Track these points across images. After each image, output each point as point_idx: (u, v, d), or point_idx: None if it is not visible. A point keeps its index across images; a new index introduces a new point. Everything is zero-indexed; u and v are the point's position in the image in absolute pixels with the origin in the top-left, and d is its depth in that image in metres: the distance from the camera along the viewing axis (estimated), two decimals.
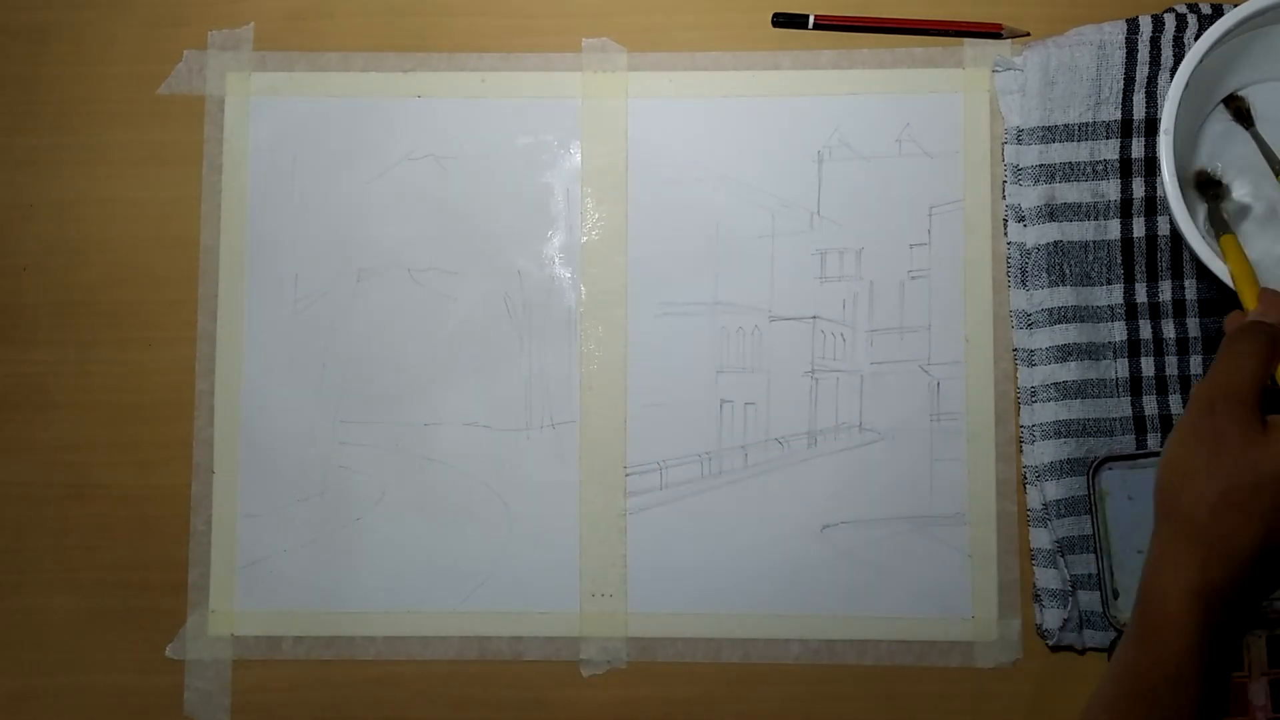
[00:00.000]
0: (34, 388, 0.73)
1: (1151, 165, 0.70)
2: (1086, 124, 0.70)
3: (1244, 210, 0.69)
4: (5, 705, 0.71)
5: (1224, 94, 0.71)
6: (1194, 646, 0.52)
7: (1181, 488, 0.54)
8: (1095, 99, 0.70)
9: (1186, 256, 0.70)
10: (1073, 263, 0.70)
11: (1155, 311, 0.70)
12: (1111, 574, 0.69)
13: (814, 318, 0.72)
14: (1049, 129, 0.70)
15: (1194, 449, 0.54)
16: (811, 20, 0.73)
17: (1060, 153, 0.70)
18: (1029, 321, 0.70)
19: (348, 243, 0.73)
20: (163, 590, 0.71)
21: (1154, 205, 0.70)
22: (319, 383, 0.72)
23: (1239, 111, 0.71)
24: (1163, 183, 0.64)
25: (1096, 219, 0.70)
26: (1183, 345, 0.70)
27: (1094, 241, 0.70)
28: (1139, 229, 0.70)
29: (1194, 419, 0.55)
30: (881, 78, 0.73)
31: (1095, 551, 0.69)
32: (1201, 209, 0.69)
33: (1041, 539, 0.69)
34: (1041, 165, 0.70)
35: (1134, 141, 0.70)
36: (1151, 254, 0.70)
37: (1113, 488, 0.69)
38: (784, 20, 0.73)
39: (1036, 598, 0.69)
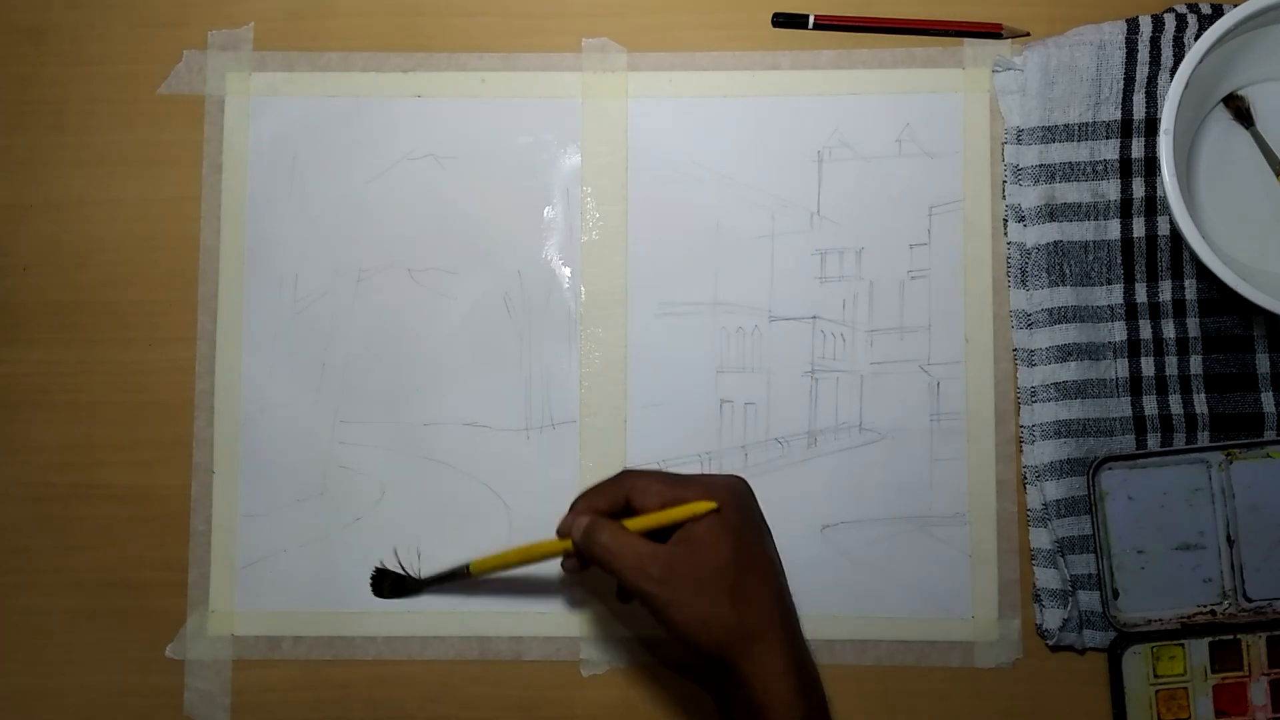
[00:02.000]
0: (34, 388, 0.73)
1: (1151, 165, 0.70)
2: (1086, 124, 0.70)
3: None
4: (5, 705, 0.71)
5: (1224, 94, 0.71)
6: (806, 712, 0.59)
7: (712, 629, 0.59)
8: (1095, 99, 0.70)
9: (1186, 256, 0.70)
10: (1073, 263, 0.70)
11: (1155, 311, 0.70)
12: (1111, 574, 0.69)
13: (814, 318, 0.72)
14: (1049, 129, 0.70)
15: (685, 607, 0.59)
16: (811, 20, 0.73)
17: (1060, 153, 0.70)
18: (1029, 321, 0.70)
19: (348, 243, 0.73)
20: (163, 590, 0.71)
21: (1154, 205, 0.70)
22: (319, 383, 0.72)
23: (1239, 111, 0.71)
24: (1163, 183, 0.64)
25: (1096, 219, 0.70)
26: (1183, 345, 0.70)
27: (1094, 241, 0.70)
28: (1139, 229, 0.70)
29: (658, 599, 0.59)
30: (881, 78, 0.72)
31: (1095, 551, 0.69)
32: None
33: (1041, 539, 0.69)
34: (1041, 165, 0.70)
35: (1134, 141, 0.70)
36: (1151, 254, 0.70)
37: (1113, 488, 0.69)
38: (784, 20, 0.73)
39: (1036, 598, 0.69)
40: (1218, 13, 0.69)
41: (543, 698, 0.70)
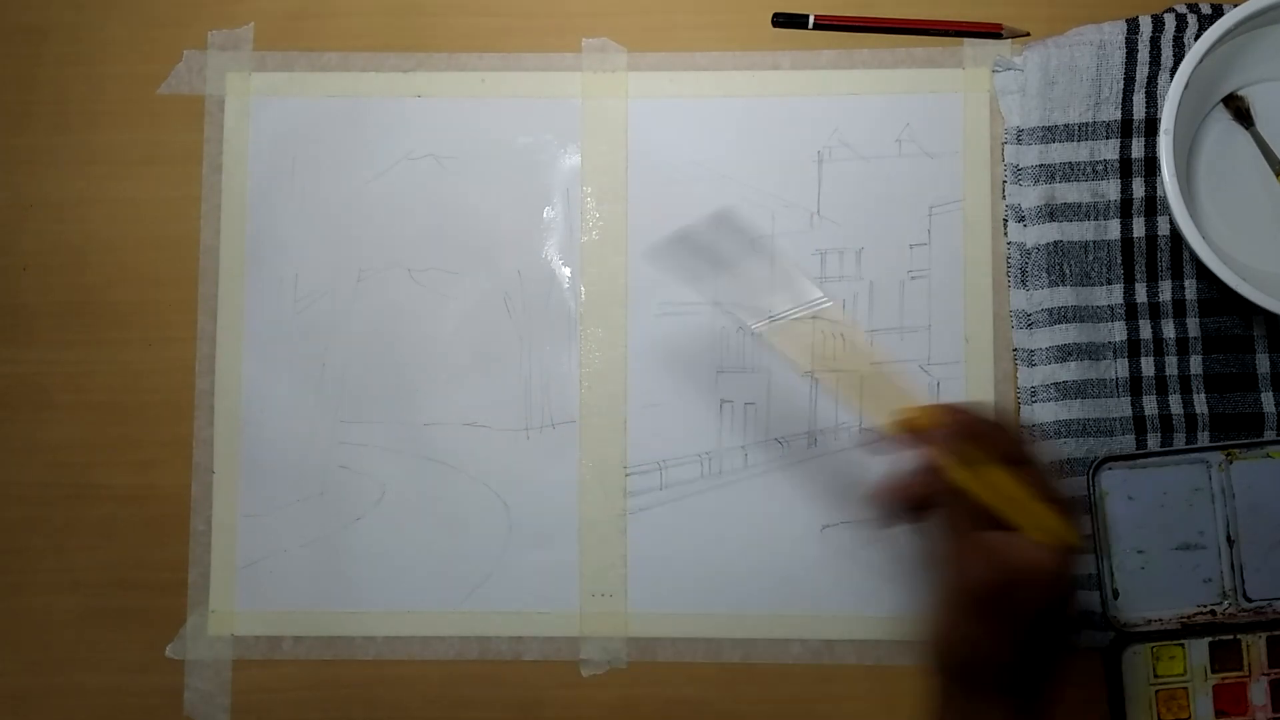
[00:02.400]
0: (34, 388, 0.73)
1: (1151, 165, 0.70)
2: (1086, 124, 0.70)
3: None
4: (5, 705, 0.71)
5: (1224, 94, 0.71)
6: None
7: (976, 657, 0.53)
8: (1095, 99, 0.70)
9: (1186, 256, 0.70)
10: (1073, 263, 0.70)
11: (1155, 311, 0.70)
12: (1111, 574, 0.69)
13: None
14: (1049, 129, 0.70)
15: (967, 621, 0.53)
16: (811, 20, 0.72)
17: (1060, 153, 0.70)
18: (1029, 321, 0.70)
19: (348, 243, 0.73)
20: (163, 590, 0.71)
21: (1154, 205, 0.70)
22: (319, 383, 0.72)
23: (1239, 111, 0.71)
24: (1163, 183, 0.64)
25: (1096, 219, 0.70)
26: (1183, 345, 0.70)
27: (1094, 241, 0.70)
28: (1139, 229, 0.70)
29: (964, 606, 0.53)
30: (881, 78, 0.72)
31: (1095, 551, 0.69)
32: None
33: None
34: (1041, 165, 0.70)
35: (1134, 141, 0.70)
36: (1151, 254, 0.70)
37: (1113, 488, 0.69)
38: (784, 20, 0.73)
39: None
40: (1218, 13, 0.69)
41: (543, 698, 0.70)
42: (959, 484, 0.52)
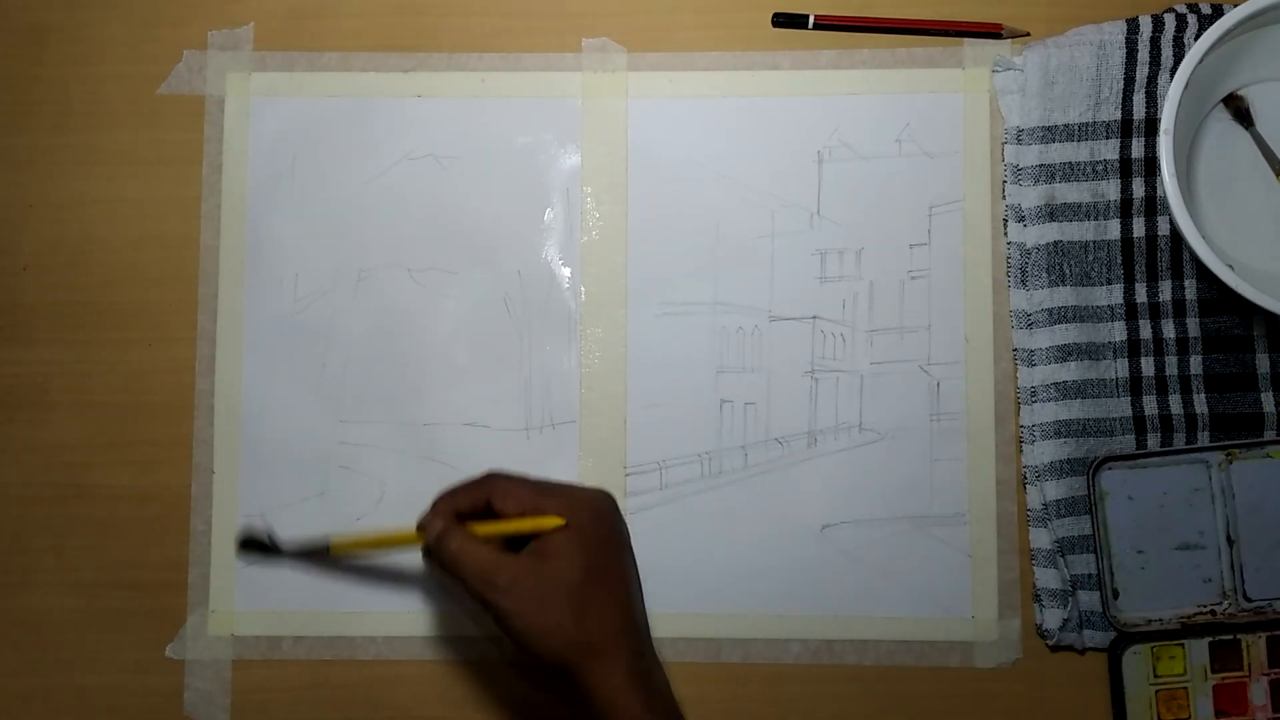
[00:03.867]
0: (34, 388, 0.73)
1: (1151, 165, 0.70)
2: (1086, 124, 0.70)
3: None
4: (5, 705, 0.71)
5: (1224, 94, 0.71)
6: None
7: (551, 641, 0.59)
8: (1095, 99, 0.70)
9: (1186, 256, 0.70)
10: (1073, 263, 0.70)
11: (1155, 311, 0.70)
12: (1111, 574, 0.69)
13: (814, 318, 0.72)
14: (1049, 129, 0.70)
15: (526, 617, 0.59)
16: (811, 20, 0.73)
17: (1060, 153, 0.70)
18: (1029, 321, 0.70)
19: (348, 243, 0.73)
20: (163, 590, 0.71)
21: (1154, 205, 0.70)
22: (319, 383, 0.72)
23: (1239, 111, 0.71)
24: (1163, 183, 0.64)
25: (1096, 219, 0.70)
26: (1183, 345, 0.70)
27: (1094, 241, 0.70)
28: (1139, 229, 0.70)
29: (500, 608, 0.60)
30: (881, 78, 0.72)
31: (1095, 551, 0.69)
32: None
33: (1041, 539, 0.69)
34: (1041, 165, 0.70)
35: (1134, 141, 0.70)
36: (1151, 254, 0.70)
37: (1113, 488, 0.69)
38: (784, 20, 0.73)
39: (1036, 598, 0.69)
40: (1218, 13, 0.69)
41: (543, 698, 0.70)
42: (460, 538, 0.61)
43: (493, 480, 0.63)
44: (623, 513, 0.68)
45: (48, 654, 0.71)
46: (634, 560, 0.63)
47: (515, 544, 0.61)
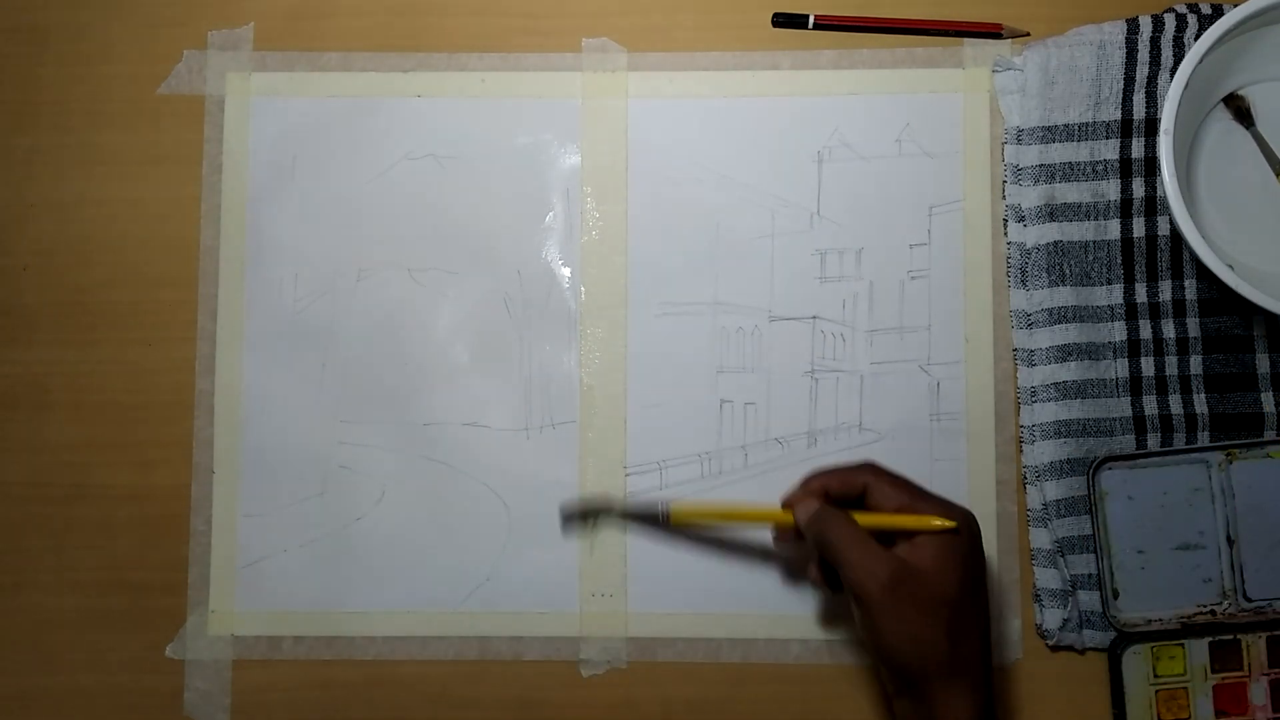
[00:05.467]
0: (34, 388, 0.73)
1: (1151, 165, 0.70)
2: (1086, 124, 0.70)
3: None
4: (5, 705, 0.71)
5: (1224, 94, 0.71)
6: None
7: (921, 650, 0.59)
8: (1095, 99, 0.70)
9: (1186, 256, 0.70)
10: (1073, 263, 0.70)
11: (1155, 311, 0.70)
12: (1111, 574, 0.69)
13: (814, 318, 0.72)
14: (1049, 129, 0.71)
15: (901, 621, 0.59)
16: (811, 20, 0.73)
17: (1060, 153, 0.70)
18: (1029, 321, 0.70)
19: (348, 243, 0.73)
20: (163, 590, 0.71)
21: (1154, 205, 0.70)
22: (319, 383, 0.72)
23: (1239, 111, 0.71)
24: (1163, 183, 0.64)
25: (1096, 219, 0.70)
26: (1183, 345, 0.70)
27: (1094, 241, 0.70)
28: (1139, 229, 0.70)
29: (879, 604, 0.59)
30: (881, 78, 0.73)
31: (1095, 551, 0.69)
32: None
33: (1041, 539, 0.69)
34: (1041, 165, 0.70)
35: (1134, 141, 0.70)
36: (1151, 254, 0.70)
37: (1113, 488, 0.69)
38: (784, 20, 0.73)
39: (1036, 598, 0.69)
40: (1218, 13, 0.69)
41: (543, 698, 0.70)
42: (844, 524, 0.61)
43: (869, 471, 0.63)
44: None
45: (48, 654, 0.71)
46: (989, 596, 0.63)
47: (880, 538, 0.61)
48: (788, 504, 0.64)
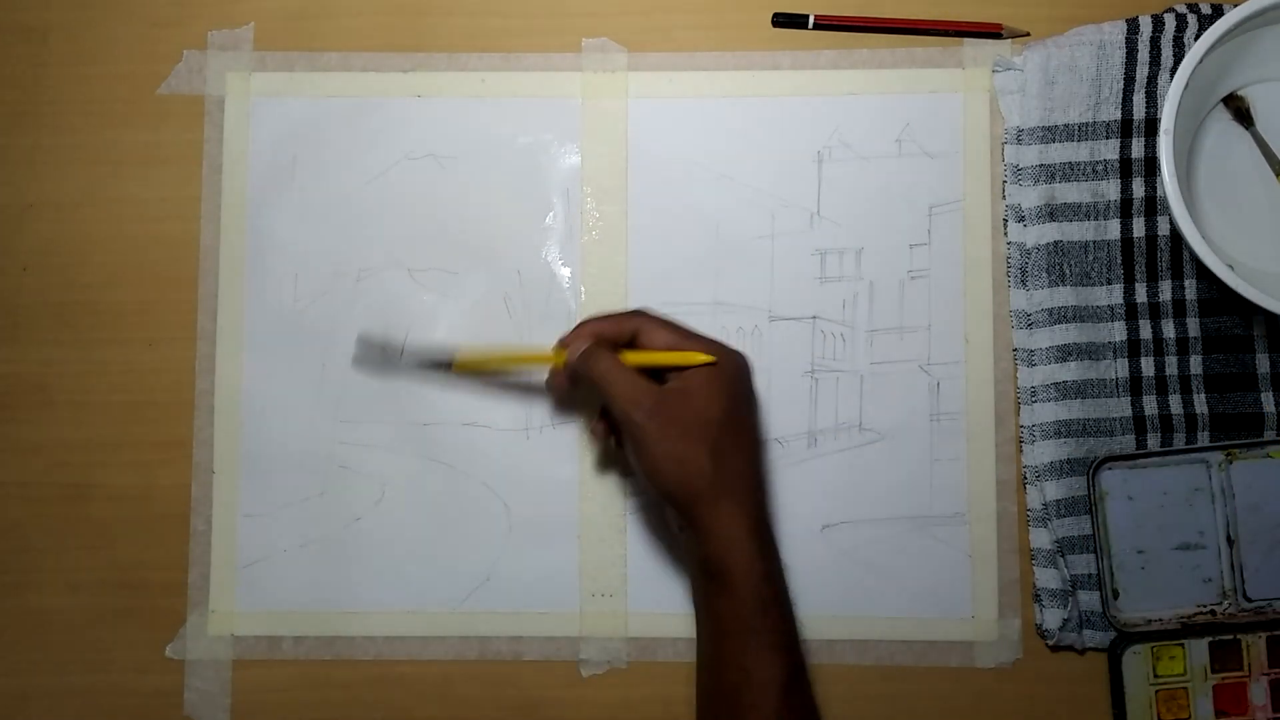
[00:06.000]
0: (34, 388, 0.73)
1: (1151, 165, 0.70)
2: (1086, 124, 0.70)
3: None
4: (5, 705, 0.71)
5: (1224, 94, 0.71)
6: (766, 572, 0.61)
7: (686, 471, 0.61)
8: (1095, 99, 0.70)
9: (1186, 256, 0.70)
10: (1073, 263, 0.70)
11: (1155, 311, 0.70)
12: (1111, 574, 0.69)
13: (814, 318, 0.72)
14: (1049, 129, 0.71)
15: (666, 443, 0.61)
16: (811, 20, 0.73)
17: (1060, 153, 0.70)
18: (1029, 321, 0.70)
19: (348, 243, 0.73)
20: (163, 590, 0.71)
21: (1154, 205, 0.70)
22: (319, 383, 0.72)
23: (1239, 111, 0.71)
24: (1163, 183, 0.64)
25: (1096, 219, 0.70)
26: (1183, 345, 0.70)
27: (1094, 241, 0.70)
28: (1139, 229, 0.70)
29: (643, 430, 0.62)
30: (881, 78, 0.72)
31: (1095, 551, 0.69)
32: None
33: (1041, 539, 0.69)
34: (1041, 165, 0.70)
35: (1134, 141, 0.70)
36: (1151, 254, 0.70)
37: (1113, 488, 0.69)
38: (784, 20, 0.73)
39: (1036, 598, 0.69)
40: (1218, 13, 0.69)
41: (543, 698, 0.70)
42: (611, 360, 0.63)
43: (640, 316, 0.65)
44: (624, 514, 0.69)
45: (48, 654, 0.71)
46: (763, 424, 0.66)
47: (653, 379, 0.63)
48: (562, 345, 0.65)
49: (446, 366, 0.69)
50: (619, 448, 0.66)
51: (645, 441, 0.61)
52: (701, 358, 0.63)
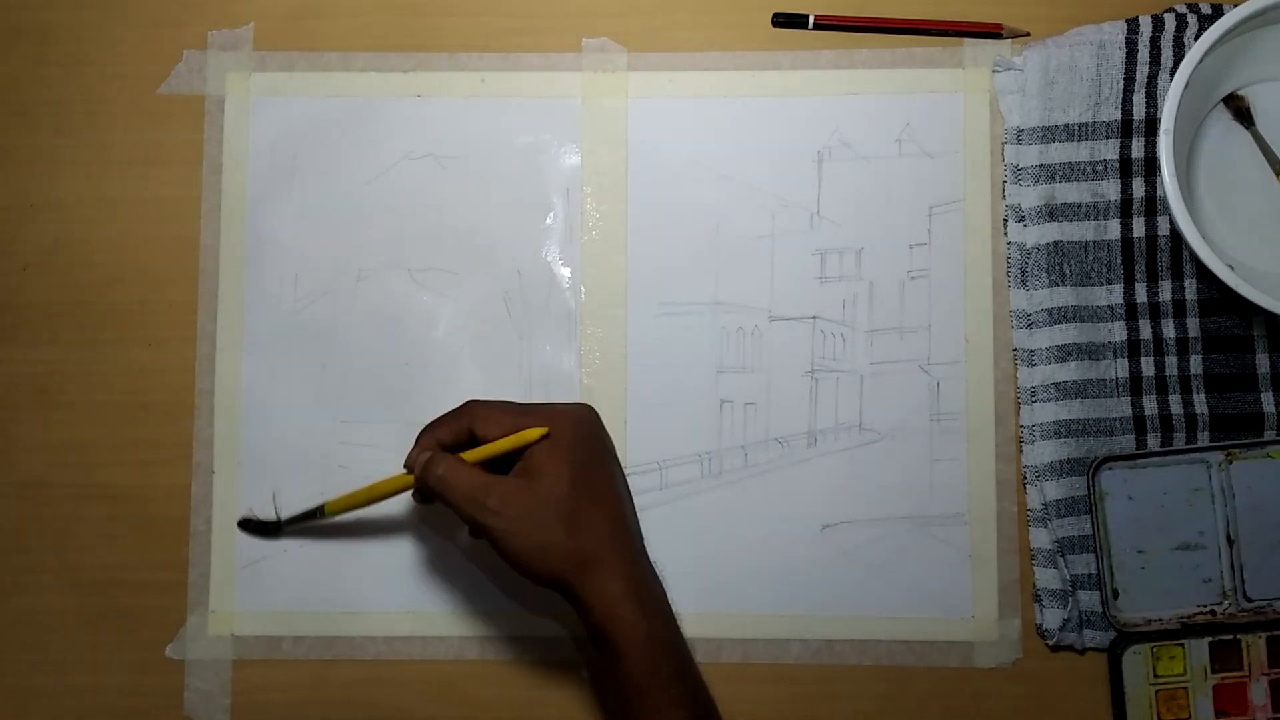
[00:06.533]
0: (34, 387, 0.73)
1: (1151, 165, 0.70)
2: (1086, 124, 0.70)
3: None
4: (5, 705, 0.71)
5: (1224, 94, 0.71)
6: (650, 632, 0.60)
7: (548, 558, 0.60)
8: (1095, 99, 0.70)
9: (1186, 256, 0.70)
10: (1073, 263, 0.70)
11: (1155, 311, 0.70)
12: (1111, 574, 0.69)
13: (814, 318, 0.72)
14: (1049, 129, 0.71)
15: (520, 537, 0.60)
16: (811, 20, 0.73)
17: (1060, 153, 0.70)
18: (1029, 321, 0.70)
19: (348, 243, 0.73)
20: (163, 590, 0.71)
21: (1154, 205, 0.70)
22: (319, 383, 0.72)
23: (1239, 111, 0.71)
24: (1163, 183, 0.64)
25: (1096, 219, 0.70)
26: (1183, 345, 0.70)
27: (1094, 241, 0.70)
28: (1139, 229, 0.70)
29: (493, 529, 0.61)
30: (881, 78, 0.72)
31: (1095, 551, 0.69)
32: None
33: (1041, 539, 0.69)
34: (1041, 165, 0.70)
35: (1134, 141, 0.70)
36: (1151, 254, 0.70)
37: (1113, 488, 0.69)
38: (784, 20, 0.73)
39: (1036, 598, 0.69)
40: (1218, 13, 0.69)
41: (543, 698, 0.70)
42: (449, 464, 0.62)
43: (471, 407, 0.64)
44: None
45: (48, 654, 0.71)
46: (621, 471, 0.65)
47: (504, 469, 0.62)
48: (406, 465, 0.64)
49: (320, 513, 0.69)
50: (474, 538, 0.66)
51: (499, 539, 0.61)
52: (534, 433, 0.62)
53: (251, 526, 0.71)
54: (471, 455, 0.63)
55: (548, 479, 0.61)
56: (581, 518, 0.61)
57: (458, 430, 0.64)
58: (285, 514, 0.70)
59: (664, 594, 0.63)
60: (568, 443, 0.62)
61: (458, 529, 0.70)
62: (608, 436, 0.65)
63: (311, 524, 0.70)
